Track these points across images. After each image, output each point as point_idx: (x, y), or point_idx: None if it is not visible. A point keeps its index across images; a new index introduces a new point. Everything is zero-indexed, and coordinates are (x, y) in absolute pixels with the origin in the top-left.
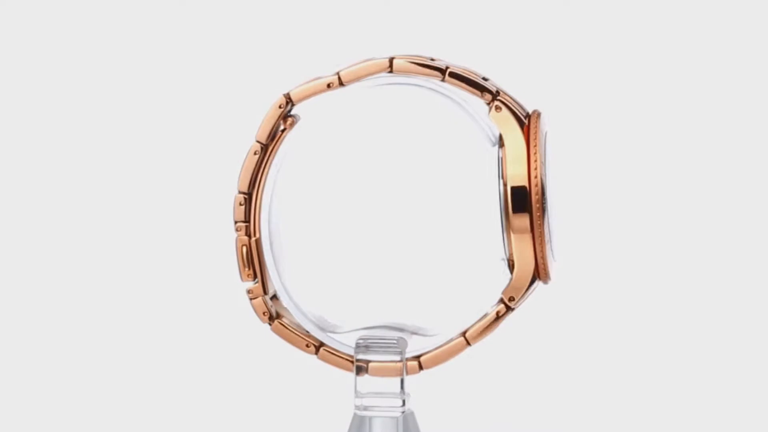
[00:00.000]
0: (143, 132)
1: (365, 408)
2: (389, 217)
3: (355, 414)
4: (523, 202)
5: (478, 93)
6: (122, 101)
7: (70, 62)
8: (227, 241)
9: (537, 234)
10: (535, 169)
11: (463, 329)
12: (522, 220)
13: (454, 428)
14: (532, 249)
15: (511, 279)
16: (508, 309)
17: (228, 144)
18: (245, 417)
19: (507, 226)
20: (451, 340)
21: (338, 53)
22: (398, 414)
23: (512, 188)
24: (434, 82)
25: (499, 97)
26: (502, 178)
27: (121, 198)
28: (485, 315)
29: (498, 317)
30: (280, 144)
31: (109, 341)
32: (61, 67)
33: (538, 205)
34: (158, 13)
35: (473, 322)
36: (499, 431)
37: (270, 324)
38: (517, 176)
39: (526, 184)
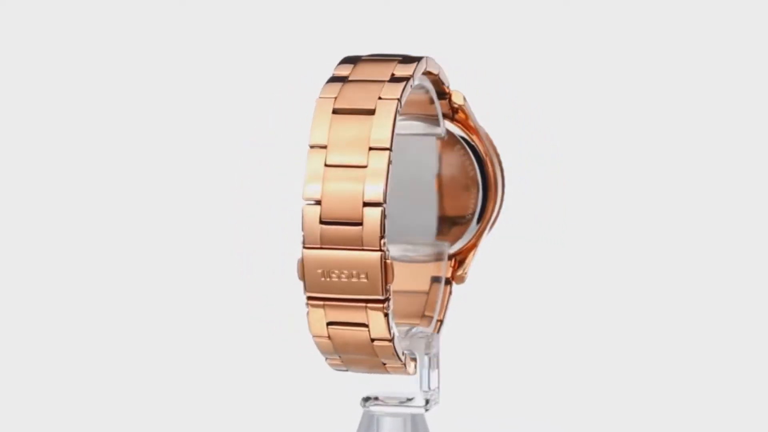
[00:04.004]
0: (144, 133)
1: (374, 406)
2: None
3: (364, 412)
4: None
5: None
6: (122, 101)
7: (71, 64)
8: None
9: None
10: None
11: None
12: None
13: (459, 427)
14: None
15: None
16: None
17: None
18: (254, 416)
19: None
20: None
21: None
22: (407, 412)
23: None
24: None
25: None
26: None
27: (122, 199)
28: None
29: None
30: None
31: (113, 342)
32: (64, 68)
33: None
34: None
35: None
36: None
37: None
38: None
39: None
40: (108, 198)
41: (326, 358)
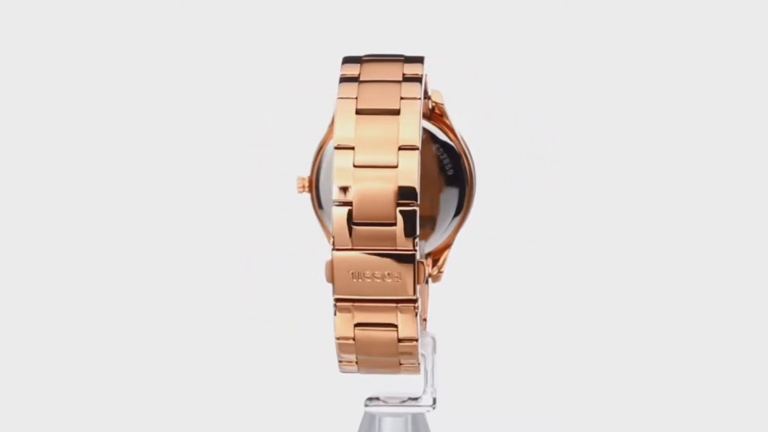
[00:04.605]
0: (143, 133)
1: (376, 406)
2: None
3: (365, 413)
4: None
5: None
6: (121, 101)
7: (71, 64)
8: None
9: None
10: None
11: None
12: None
13: (459, 427)
14: None
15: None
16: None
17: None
18: (254, 417)
19: None
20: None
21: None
22: (408, 412)
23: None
24: None
25: None
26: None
27: (121, 199)
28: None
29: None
30: None
31: (112, 343)
32: (64, 68)
33: None
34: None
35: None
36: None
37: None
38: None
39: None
40: (107, 198)
41: (341, 360)
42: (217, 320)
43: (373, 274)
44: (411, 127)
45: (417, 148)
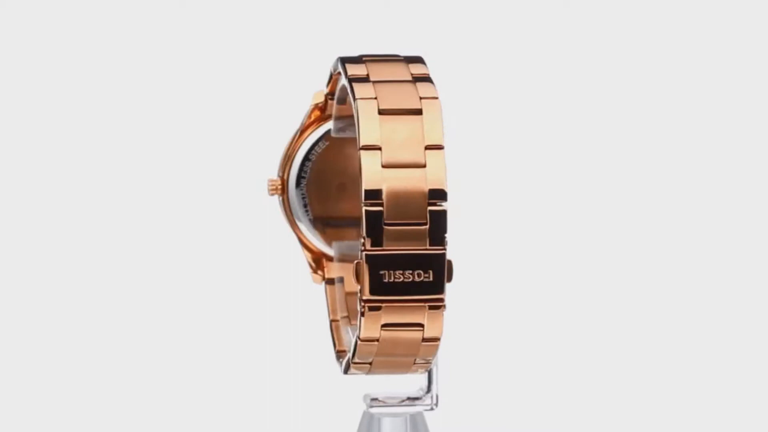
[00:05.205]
0: (143, 133)
1: (375, 406)
2: None
3: (365, 412)
4: None
5: None
6: (121, 102)
7: (71, 64)
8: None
9: None
10: None
11: None
12: None
13: (459, 427)
14: None
15: None
16: None
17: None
18: (253, 417)
19: None
20: None
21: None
22: (407, 412)
23: None
24: None
25: None
26: None
27: (121, 200)
28: None
29: None
30: None
31: (112, 343)
32: (64, 68)
33: None
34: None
35: None
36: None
37: None
38: None
39: None
40: (108, 198)
41: (355, 362)
42: (216, 320)
43: (403, 274)
44: (436, 126)
45: (443, 147)
